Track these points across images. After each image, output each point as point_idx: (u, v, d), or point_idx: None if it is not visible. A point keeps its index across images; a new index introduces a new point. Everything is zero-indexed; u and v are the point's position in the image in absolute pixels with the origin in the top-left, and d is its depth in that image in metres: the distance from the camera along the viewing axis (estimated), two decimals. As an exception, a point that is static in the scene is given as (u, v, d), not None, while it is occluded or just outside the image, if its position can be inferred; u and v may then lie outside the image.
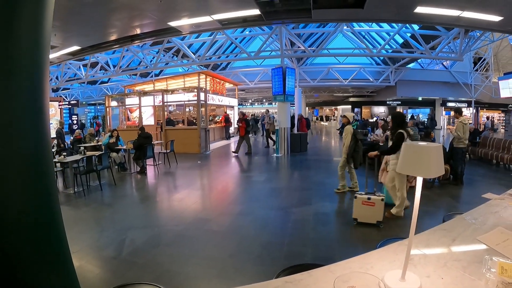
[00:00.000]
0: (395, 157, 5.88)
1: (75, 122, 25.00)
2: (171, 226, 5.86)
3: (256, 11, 10.38)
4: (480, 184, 9.14)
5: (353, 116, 8.19)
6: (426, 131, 10.85)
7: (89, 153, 9.25)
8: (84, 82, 25.40)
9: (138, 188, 9.33)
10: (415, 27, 15.31)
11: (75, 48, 13.75)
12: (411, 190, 6.59)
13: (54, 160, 8.27)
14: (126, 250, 4.81)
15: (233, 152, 14.73)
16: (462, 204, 7.31)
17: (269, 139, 17.79)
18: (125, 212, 6.88)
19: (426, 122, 26.21)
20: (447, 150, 9.13)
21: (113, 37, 12.77)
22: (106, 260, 4.54)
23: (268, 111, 19.35)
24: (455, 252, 1.81)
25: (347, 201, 7.13)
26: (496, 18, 10.08)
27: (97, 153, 9.59)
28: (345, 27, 15.23)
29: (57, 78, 21.33)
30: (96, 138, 13.01)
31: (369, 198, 5.61)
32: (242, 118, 14.79)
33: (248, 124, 14.71)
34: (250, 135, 17.64)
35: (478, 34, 15.80)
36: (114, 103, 20.48)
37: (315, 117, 51.37)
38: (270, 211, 6.75)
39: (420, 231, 2.11)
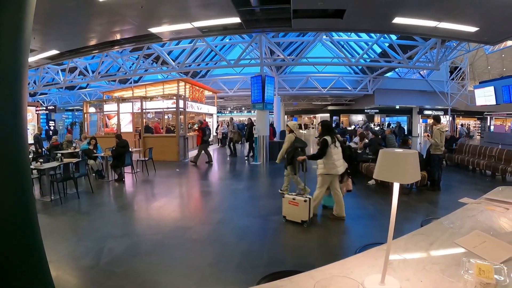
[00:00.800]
0: (320, 161, 6.28)
1: (52, 128, 24.55)
2: (150, 235, 5.77)
3: (236, 19, 10.43)
4: (457, 189, 9.34)
5: (296, 124, 8.55)
6: (404, 138, 11.03)
7: (66, 160, 9.06)
8: (62, 87, 24.98)
9: (116, 196, 9.19)
10: (393, 37, 15.60)
11: (54, 52, 13.55)
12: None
13: (31, 167, 8.09)
14: (104, 259, 4.71)
15: (206, 162, 14.45)
16: (439, 209, 7.45)
17: (231, 147, 17.53)
18: (103, 221, 6.75)
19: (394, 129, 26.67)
20: (424, 157, 9.29)
21: (92, 42, 12.64)
22: (84, 270, 4.44)
23: (232, 119, 18.89)
24: (433, 256, 1.84)
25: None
26: (472, 29, 10.36)
27: (74, 160, 9.41)
28: (324, 37, 15.39)
29: (34, 82, 20.84)
30: (74, 145, 12.77)
31: (294, 199, 6.09)
32: (200, 126, 14.42)
33: (204, 133, 14.22)
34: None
35: (454, 44, 16.23)
36: (92, 109, 20.17)
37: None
38: (250, 219, 6.72)
39: (399, 236, 2.13)
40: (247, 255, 4.87)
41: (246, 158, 16.34)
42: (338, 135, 6.64)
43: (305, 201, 5.96)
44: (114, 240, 5.47)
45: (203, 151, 14.37)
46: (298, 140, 7.97)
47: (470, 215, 2.52)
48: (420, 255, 1.87)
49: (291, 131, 8.22)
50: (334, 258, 1.89)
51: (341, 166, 6.25)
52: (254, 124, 15.37)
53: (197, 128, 15.19)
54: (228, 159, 16.54)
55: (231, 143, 17.48)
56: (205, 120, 21.61)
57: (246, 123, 17.83)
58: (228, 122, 18.83)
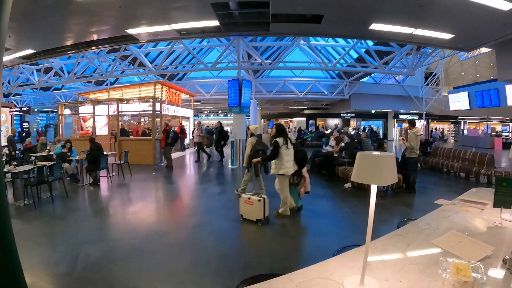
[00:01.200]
0: (273, 162, 6.75)
1: (26, 129, 23.95)
2: (126, 240, 5.67)
3: (215, 22, 10.38)
4: (432, 191, 9.53)
5: (257, 128, 9.01)
6: (379, 142, 11.20)
7: (40, 163, 8.83)
8: (36, 88, 24.40)
9: (91, 200, 8.97)
10: (370, 43, 15.85)
11: (29, 51, 13.13)
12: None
13: (4, 170, 7.84)
14: (80, 265, 4.60)
15: (166, 166, 14.28)
16: (415, 211, 7.61)
17: (201, 152, 16.82)
18: (78, 226, 6.57)
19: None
20: (399, 160, 9.44)
21: (69, 42, 12.32)
22: (60, 276, 4.31)
23: (200, 123, 18.01)
24: (411, 256, 1.87)
25: (302, 212, 7.21)
26: (447, 36, 10.59)
27: (48, 163, 9.19)
28: (301, 41, 15.51)
29: (8, 82, 20.22)
30: (48, 148, 12.48)
31: (249, 198, 6.44)
32: (164, 128, 14.31)
33: (168, 136, 14.02)
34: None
35: (429, 50, 16.58)
36: (67, 111, 19.73)
37: (270, 129, 52.30)
38: (227, 222, 6.68)
39: (376, 238, 2.15)
40: (224, 259, 4.84)
41: (219, 162, 16.07)
42: (292, 137, 7.05)
43: (259, 200, 6.28)
44: (90, 245, 5.35)
45: (171, 154, 14.32)
46: (259, 142, 8.17)
47: (445, 216, 2.58)
48: (398, 255, 1.89)
49: (252, 134, 8.51)
50: (313, 261, 1.89)
51: (290, 167, 6.65)
52: (224, 127, 15.16)
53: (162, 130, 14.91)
54: (204, 162, 16.35)
55: (202, 148, 16.90)
56: (181, 123, 21.47)
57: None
58: (196, 126, 18.22)
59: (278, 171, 6.64)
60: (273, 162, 6.73)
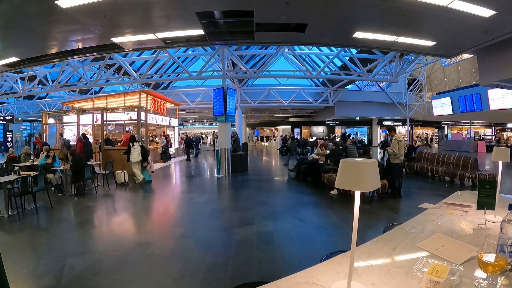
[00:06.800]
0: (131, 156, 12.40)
1: (9, 139, 23.44)
2: (112, 251, 5.57)
3: (200, 31, 10.39)
4: (417, 196, 9.66)
5: (139, 137, 13.24)
6: (364, 148, 11.29)
7: (24, 174, 8.67)
8: (20, 97, 24.09)
9: (76, 211, 8.80)
10: (353, 51, 16.01)
11: (13, 59, 12.90)
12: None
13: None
14: (66, 278, 4.48)
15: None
16: (401, 215, 7.66)
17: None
18: (63, 237, 6.46)
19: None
20: (384, 166, 9.52)
21: (53, 50, 12.14)
22: (45, 289, 4.23)
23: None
24: (397, 260, 1.87)
25: (289, 220, 7.23)
26: (429, 43, 10.75)
27: (32, 173, 9.04)
28: (286, 50, 15.61)
29: (-8, 90, 20.00)
30: (32, 158, 12.27)
31: (121, 172, 12.14)
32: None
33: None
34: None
35: (412, 57, 16.82)
36: (51, 120, 19.51)
37: (256, 138, 52.98)
38: (213, 232, 6.66)
39: (363, 243, 2.16)
40: (211, 268, 4.80)
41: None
42: (138, 142, 12.65)
43: (121, 172, 12.13)
44: (75, 257, 5.24)
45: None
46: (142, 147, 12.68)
47: (430, 219, 2.60)
48: (384, 260, 1.90)
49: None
50: (301, 268, 1.89)
51: (134, 158, 12.28)
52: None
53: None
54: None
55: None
56: (164, 132, 21.17)
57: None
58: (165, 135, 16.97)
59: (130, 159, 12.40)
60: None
